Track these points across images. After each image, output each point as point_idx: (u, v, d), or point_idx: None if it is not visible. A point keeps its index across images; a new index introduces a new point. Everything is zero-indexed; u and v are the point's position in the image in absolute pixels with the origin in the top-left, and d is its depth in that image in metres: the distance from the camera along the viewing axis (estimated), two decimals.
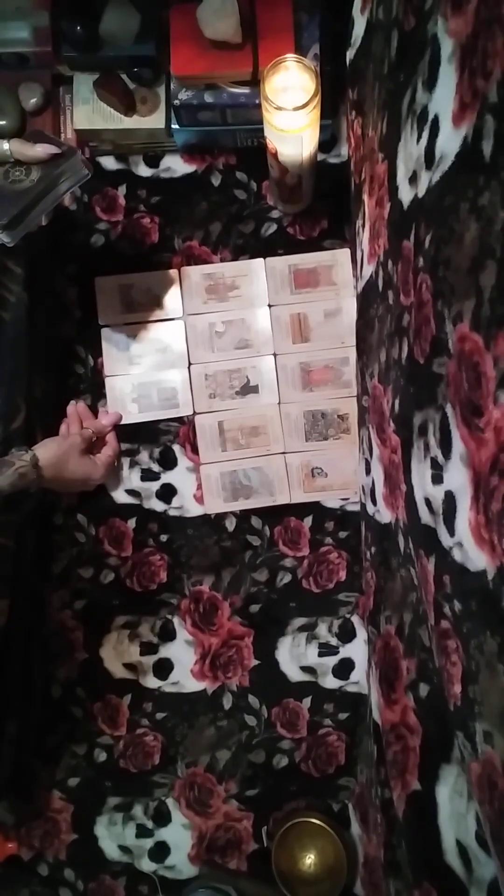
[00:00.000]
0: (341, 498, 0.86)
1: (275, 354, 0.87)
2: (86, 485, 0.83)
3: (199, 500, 0.87)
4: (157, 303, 0.88)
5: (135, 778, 0.86)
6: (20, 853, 0.86)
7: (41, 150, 0.66)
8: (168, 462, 0.87)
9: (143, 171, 0.90)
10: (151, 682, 0.86)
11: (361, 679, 0.85)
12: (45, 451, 0.76)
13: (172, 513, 0.87)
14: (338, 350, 0.87)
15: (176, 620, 0.87)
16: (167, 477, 0.87)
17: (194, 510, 0.87)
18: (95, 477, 0.82)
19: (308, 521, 0.87)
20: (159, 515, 0.87)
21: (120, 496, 0.87)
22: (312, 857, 0.82)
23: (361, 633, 0.85)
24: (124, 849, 0.85)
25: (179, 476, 0.87)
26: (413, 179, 0.53)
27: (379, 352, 0.67)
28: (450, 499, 0.45)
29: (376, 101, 0.66)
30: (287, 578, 0.87)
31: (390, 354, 0.62)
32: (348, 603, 0.86)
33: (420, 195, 0.51)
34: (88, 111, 0.85)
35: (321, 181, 0.86)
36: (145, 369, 0.87)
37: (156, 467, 0.87)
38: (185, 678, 0.86)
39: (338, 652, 0.86)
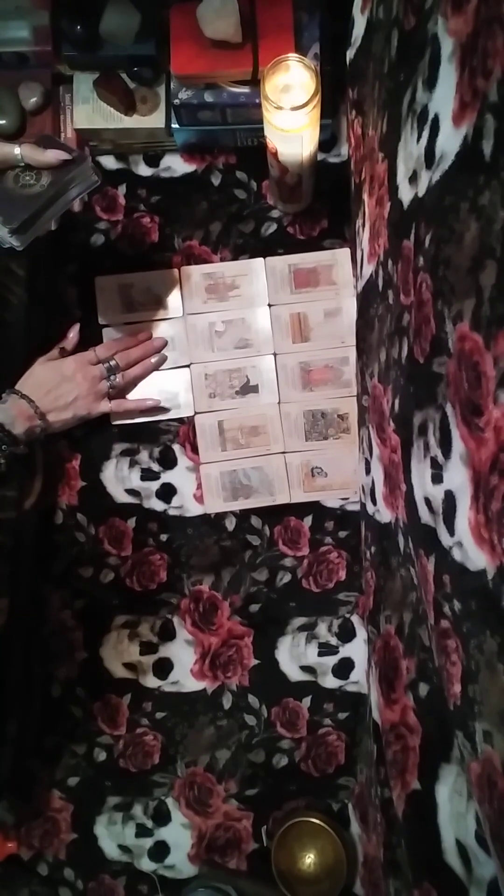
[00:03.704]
0: (341, 497, 0.86)
1: (275, 354, 0.87)
2: (76, 405, 0.80)
3: (199, 499, 0.87)
4: (157, 302, 0.88)
5: (134, 777, 0.86)
6: (20, 853, 0.86)
7: (52, 155, 0.66)
8: (168, 462, 0.87)
9: (143, 170, 0.90)
10: (151, 681, 0.86)
11: (361, 679, 0.85)
12: (24, 379, 0.78)
13: (172, 512, 0.87)
14: (338, 350, 0.87)
15: (176, 620, 0.87)
16: (167, 476, 0.87)
17: (194, 510, 0.87)
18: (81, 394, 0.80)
19: (308, 520, 0.87)
20: (159, 515, 0.87)
21: (120, 496, 0.87)
22: (312, 856, 0.82)
23: (361, 633, 0.85)
24: (124, 848, 0.85)
25: (179, 476, 0.87)
26: (413, 179, 0.53)
27: (379, 351, 0.67)
28: (450, 498, 0.45)
29: (376, 100, 0.66)
30: (287, 578, 0.87)
31: (390, 354, 0.62)
32: (348, 603, 0.86)
33: (420, 195, 0.51)
34: (88, 110, 0.85)
35: (321, 181, 0.86)
36: None
37: (156, 467, 0.87)
38: (185, 678, 0.86)
39: (338, 652, 0.86)
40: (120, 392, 0.84)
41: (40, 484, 0.84)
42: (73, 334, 0.84)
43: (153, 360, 0.86)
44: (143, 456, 0.87)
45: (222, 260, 0.89)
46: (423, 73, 0.49)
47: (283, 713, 0.85)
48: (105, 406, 0.83)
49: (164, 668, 0.86)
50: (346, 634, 0.86)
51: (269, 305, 0.87)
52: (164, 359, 0.86)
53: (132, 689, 0.86)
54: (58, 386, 0.78)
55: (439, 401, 0.46)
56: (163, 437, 0.88)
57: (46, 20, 0.81)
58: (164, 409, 0.87)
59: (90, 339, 0.87)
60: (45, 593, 0.87)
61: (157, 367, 0.86)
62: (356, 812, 0.84)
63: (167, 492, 0.87)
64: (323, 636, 0.86)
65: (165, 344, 0.87)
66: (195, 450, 0.87)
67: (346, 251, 0.87)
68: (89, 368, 0.81)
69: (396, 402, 0.60)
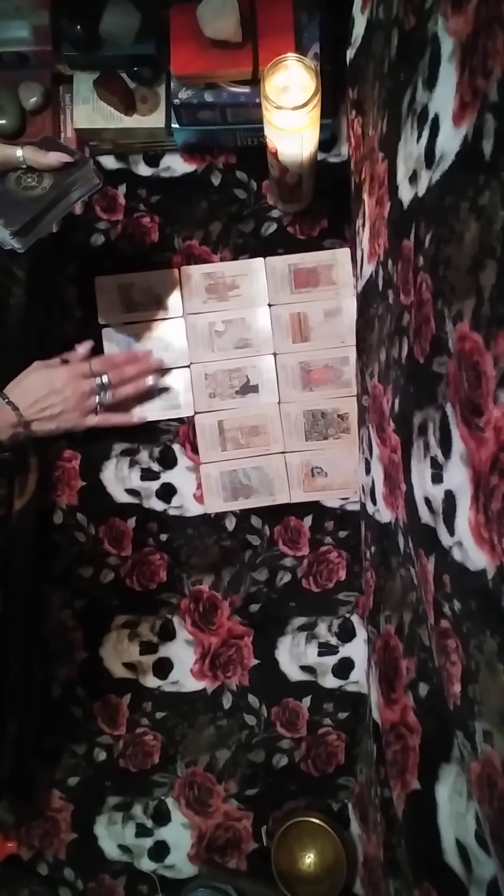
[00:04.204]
0: (341, 497, 0.86)
1: (275, 354, 0.87)
2: (65, 415, 0.79)
3: (199, 499, 0.87)
4: (158, 302, 0.88)
5: (134, 777, 0.86)
6: (20, 853, 0.86)
7: (54, 158, 0.66)
8: (168, 461, 0.87)
9: (143, 170, 0.90)
10: (151, 681, 0.86)
11: (361, 679, 0.85)
12: (15, 383, 0.77)
13: (172, 512, 0.87)
14: (338, 349, 0.87)
15: (176, 620, 0.87)
16: (167, 476, 0.87)
17: (194, 510, 0.87)
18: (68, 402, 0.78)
19: (308, 520, 0.87)
20: (159, 515, 0.87)
21: (120, 496, 0.87)
22: (312, 856, 0.82)
23: (361, 633, 0.85)
24: (124, 848, 0.85)
25: (179, 475, 0.87)
26: (413, 179, 0.53)
27: (379, 351, 0.67)
28: (450, 498, 0.45)
29: (376, 100, 0.66)
30: (287, 578, 0.87)
31: (390, 354, 0.62)
32: (348, 602, 0.86)
33: (420, 194, 0.51)
34: (88, 110, 0.85)
35: (321, 181, 0.86)
36: None
37: (156, 467, 0.87)
38: (185, 678, 0.86)
39: (337, 651, 0.86)
40: (108, 407, 0.83)
41: (34, 483, 0.84)
42: (83, 350, 0.82)
43: (148, 381, 0.84)
44: (143, 456, 0.87)
45: (222, 260, 0.89)
46: (423, 72, 0.49)
47: (283, 713, 0.85)
48: (91, 421, 0.81)
49: (164, 667, 0.86)
50: (346, 634, 0.86)
51: (269, 305, 0.87)
52: (160, 382, 0.86)
53: (132, 688, 0.86)
54: (46, 397, 0.77)
55: (439, 401, 0.46)
56: (163, 437, 0.88)
57: (46, 20, 0.81)
58: (154, 472, 0.86)
59: (90, 338, 0.87)
60: (45, 593, 0.87)
61: (150, 389, 0.85)
62: (356, 812, 0.84)
63: (167, 492, 0.87)
64: (323, 636, 0.86)
65: (163, 366, 0.86)
66: (195, 450, 0.87)
67: (346, 251, 0.87)
68: (81, 382, 0.79)
69: (396, 401, 0.60)
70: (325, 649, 0.86)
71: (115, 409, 0.83)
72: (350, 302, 0.86)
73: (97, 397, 0.80)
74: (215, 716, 0.86)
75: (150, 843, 0.85)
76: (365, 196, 0.73)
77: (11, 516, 0.80)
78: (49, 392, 0.77)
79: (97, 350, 0.87)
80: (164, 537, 0.87)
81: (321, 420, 0.87)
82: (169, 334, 0.87)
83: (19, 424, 0.75)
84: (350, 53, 0.78)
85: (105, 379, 0.80)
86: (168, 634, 0.87)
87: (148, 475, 0.87)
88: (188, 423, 0.87)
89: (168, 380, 0.87)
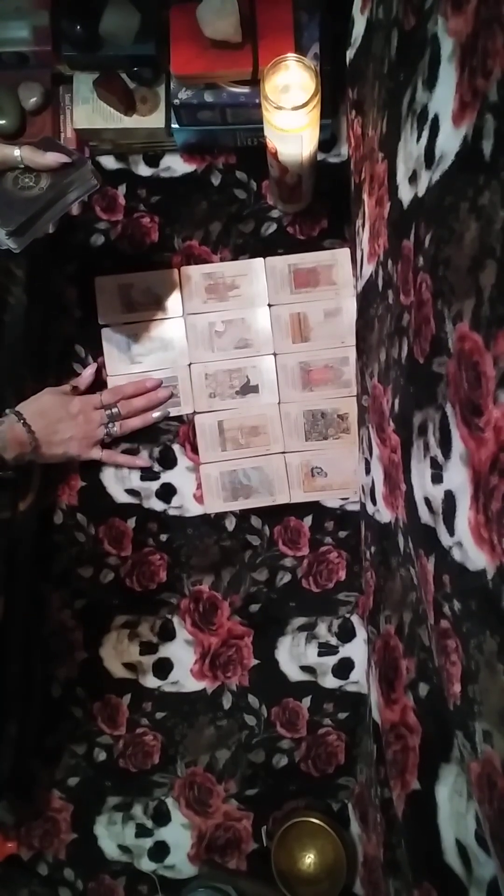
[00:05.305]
0: (341, 497, 0.86)
1: (275, 354, 0.87)
2: (71, 441, 0.81)
3: (199, 499, 0.87)
4: (157, 302, 0.88)
5: (134, 777, 0.86)
6: (20, 853, 0.86)
7: (52, 158, 0.66)
8: (168, 461, 0.87)
9: (143, 170, 0.90)
10: (151, 681, 0.86)
11: (361, 679, 0.85)
12: (28, 403, 0.78)
13: (172, 512, 0.87)
14: (338, 350, 0.87)
15: (176, 620, 0.87)
16: (167, 476, 0.87)
17: (194, 510, 0.87)
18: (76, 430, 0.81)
19: (308, 520, 0.87)
20: (159, 515, 0.87)
21: (120, 496, 0.87)
22: (312, 856, 0.82)
23: (361, 633, 0.85)
24: (124, 848, 0.85)
25: (179, 476, 0.87)
26: (413, 179, 0.53)
27: (379, 351, 0.67)
28: (449, 498, 0.45)
29: (376, 100, 0.66)
30: (287, 578, 0.87)
31: (390, 354, 0.62)
32: (348, 602, 0.86)
33: (420, 195, 0.51)
34: (88, 110, 0.85)
35: (321, 181, 0.86)
36: (147, 369, 0.87)
37: (156, 467, 0.87)
38: (185, 678, 0.86)
39: (337, 651, 0.86)
40: (112, 444, 0.86)
41: (38, 485, 0.84)
42: (89, 374, 0.86)
43: (154, 414, 0.86)
44: (143, 456, 0.87)
45: (222, 260, 0.89)
46: (422, 73, 0.49)
47: (282, 713, 0.85)
48: (96, 453, 0.84)
49: (163, 668, 0.86)
50: (346, 634, 0.86)
51: (269, 305, 0.87)
52: (167, 414, 0.87)
53: (132, 689, 0.86)
54: (59, 420, 0.79)
55: (439, 401, 0.46)
56: (163, 437, 0.88)
57: (46, 20, 0.81)
58: (154, 472, 0.87)
59: (90, 338, 0.87)
60: (44, 593, 0.87)
61: (157, 422, 0.86)
62: (356, 812, 0.84)
63: (167, 492, 0.87)
64: (323, 636, 0.86)
65: (171, 396, 0.87)
66: (195, 450, 0.87)
67: (345, 251, 0.87)
68: (92, 413, 0.82)
69: (396, 402, 0.60)
70: (325, 649, 0.86)
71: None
72: (350, 302, 0.86)
73: (105, 429, 0.83)
74: (215, 716, 0.86)
75: (150, 843, 0.85)
76: (365, 196, 0.73)
77: (14, 518, 0.80)
78: (63, 416, 0.80)
79: (96, 350, 0.87)
80: (164, 537, 0.87)
81: (321, 420, 0.87)
82: (169, 334, 0.87)
83: (29, 444, 0.75)
84: (350, 54, 0.78)
85: (115, 410, 0.83)
86: (168, 634, 0.87)
87: (148, 475, 0.87)
88: (188, 423, 0.87)
89: (170, 378, 0.87)
